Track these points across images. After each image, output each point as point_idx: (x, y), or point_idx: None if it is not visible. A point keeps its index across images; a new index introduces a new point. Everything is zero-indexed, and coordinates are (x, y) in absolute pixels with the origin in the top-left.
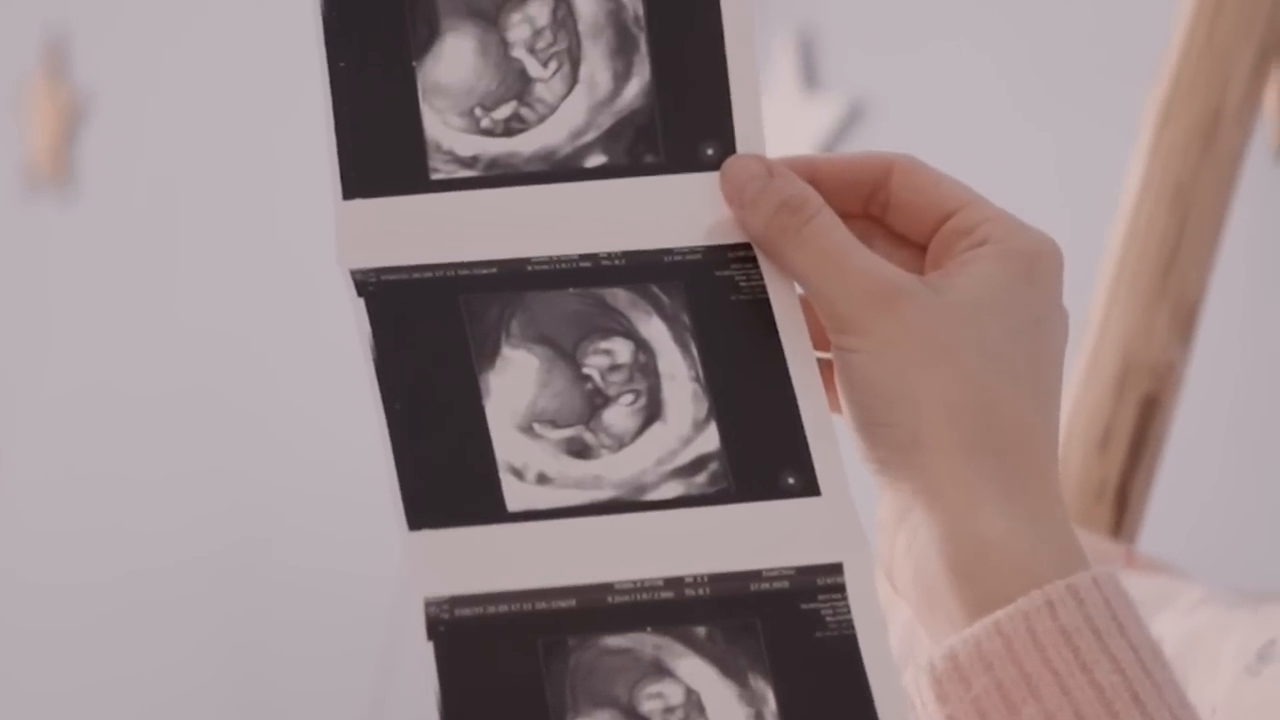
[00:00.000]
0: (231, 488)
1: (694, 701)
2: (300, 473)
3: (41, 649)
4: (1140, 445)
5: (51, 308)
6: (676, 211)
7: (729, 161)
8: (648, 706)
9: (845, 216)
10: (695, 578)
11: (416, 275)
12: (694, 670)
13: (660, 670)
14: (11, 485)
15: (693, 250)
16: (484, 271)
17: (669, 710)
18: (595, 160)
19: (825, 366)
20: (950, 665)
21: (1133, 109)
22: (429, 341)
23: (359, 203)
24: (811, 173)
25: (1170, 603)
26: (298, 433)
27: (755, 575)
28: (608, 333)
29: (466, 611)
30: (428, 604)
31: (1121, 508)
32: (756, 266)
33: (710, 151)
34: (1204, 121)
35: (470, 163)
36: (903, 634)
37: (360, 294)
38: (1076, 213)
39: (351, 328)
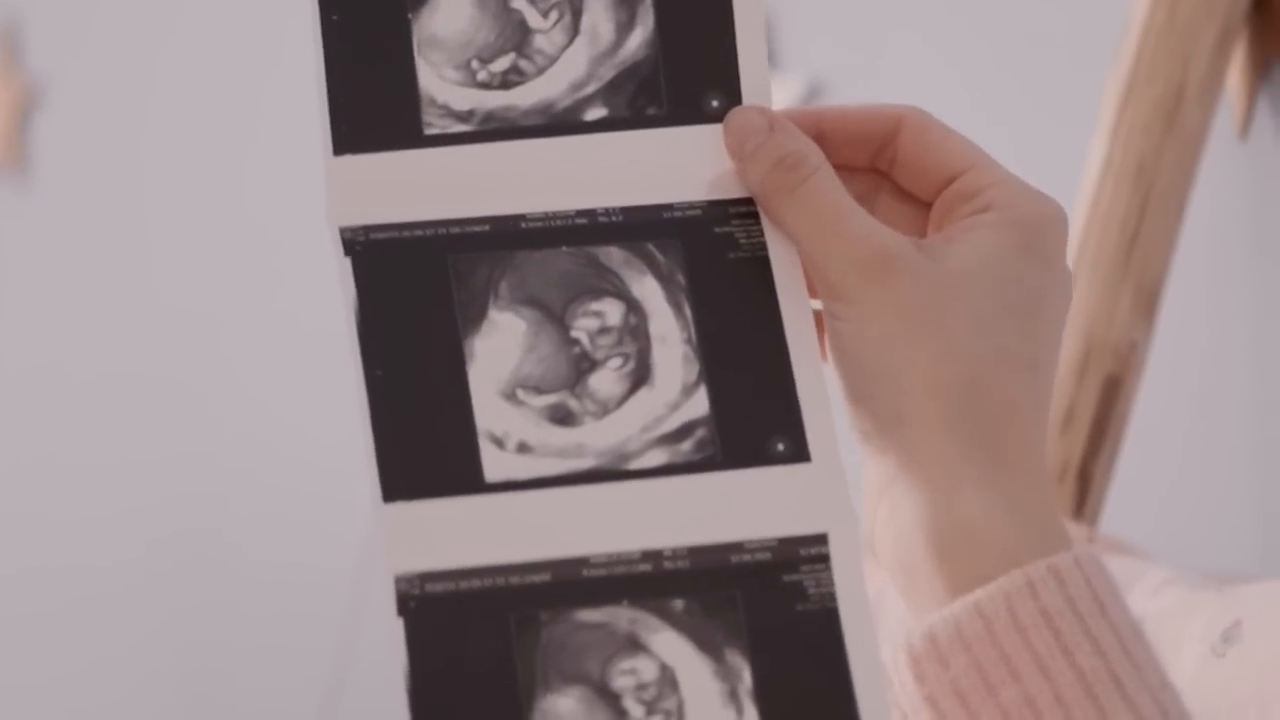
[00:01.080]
0: (184, 475)
1: (668, 678)
2: (256, 461)
3: None
4: (1102, 426)
5: (5, 294)
6: (678, 165)
7: (732, 113)
8: (620, 683)
9: (852, 170)
10: (674, 550)
11: (406, 233)
12: (669, 645)
13: (635, 645)
14: None
15: (693, 206)
16: (476, 229)
17: (641, 687)
18: (596, 113)
19: (820, 318)
20: (929, 645)
21: (1094, 88)
22: (414, 304)
23: (349, 159)
24: (818, 125)
25: (1134, 585)
26: (252, 420)
27: (737, 547)
28: (599, 293)
29: (437, 588)
30: (398, 580)
31: (1084, 489)
32: (758, 222)
33: (715, 103)
34: (1166, 100)
35: (465, 117)
36: (874, 600)
37: (347, 253)
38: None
39: (336, 291)
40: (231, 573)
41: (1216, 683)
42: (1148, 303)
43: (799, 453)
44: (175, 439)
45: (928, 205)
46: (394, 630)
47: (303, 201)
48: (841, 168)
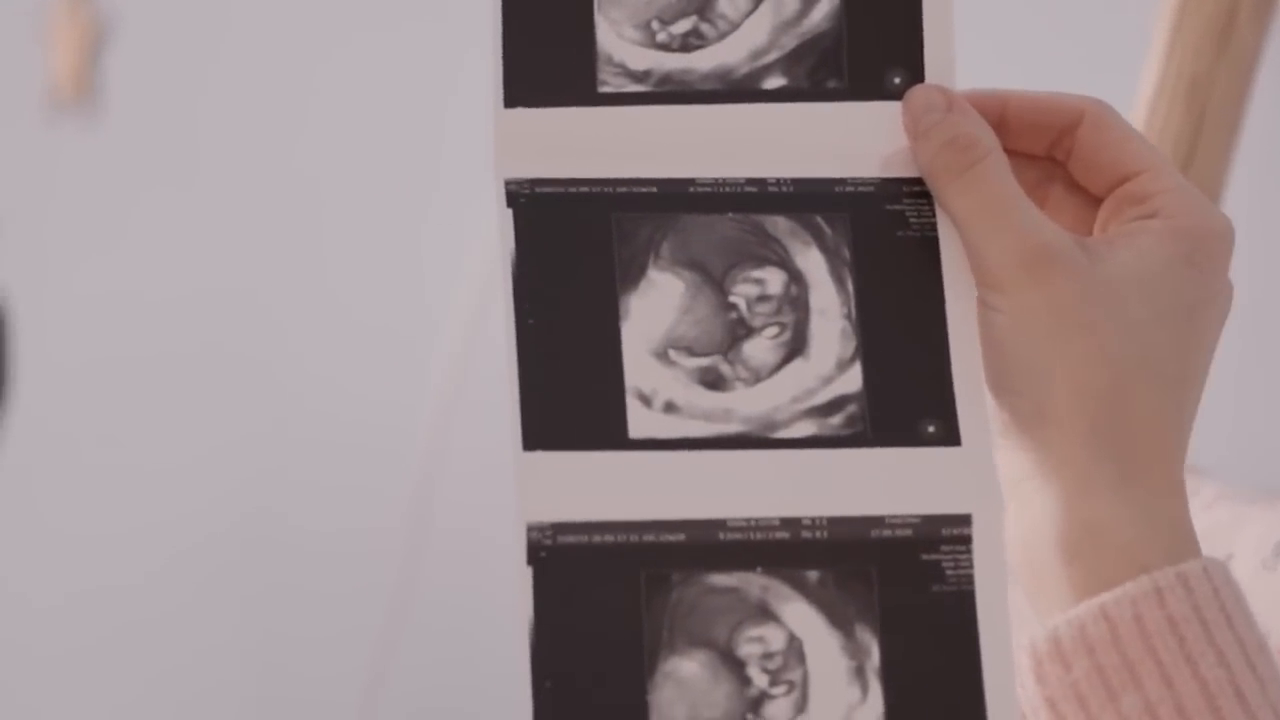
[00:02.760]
0: (243, 446)
1: (795, 649)
2: (317, 435)
3: (44, 642)
4: None
5: (73, 231)
6: (854, 140)
7: (912, 91)
8: (746, 650)
9: (1029, 156)
10: (814, 520)
11: (572, 189)
12: (800, 616)
13: (764, 613)
14: (21, 423)
15: (866, 182)
16: (643, 190)
17: (768, 656)
18: (774, 82)
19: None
20: (1052, 646)
21: (1147, 9)
22: (572, 258)
23: (520, 112)
24: (1002, 109)
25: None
26: (315, 392)
27: (878, 521)
28: (761, 261)
29: (570, 539)
30: (530, 529)
31: None
32: (930, 203)
33: (897, 80)
34: (1219, 19)
35: (641, 77)
36: None
37: (510, 205)
38: None
39: (495, 242)
40: (293, 549)
41: (1268, 595)
42: None
43: (949, 436)
44: (234, 407)
45: (1098, 201)
46: (522, 579)
47: (368, 162)
48: (1019, 153)
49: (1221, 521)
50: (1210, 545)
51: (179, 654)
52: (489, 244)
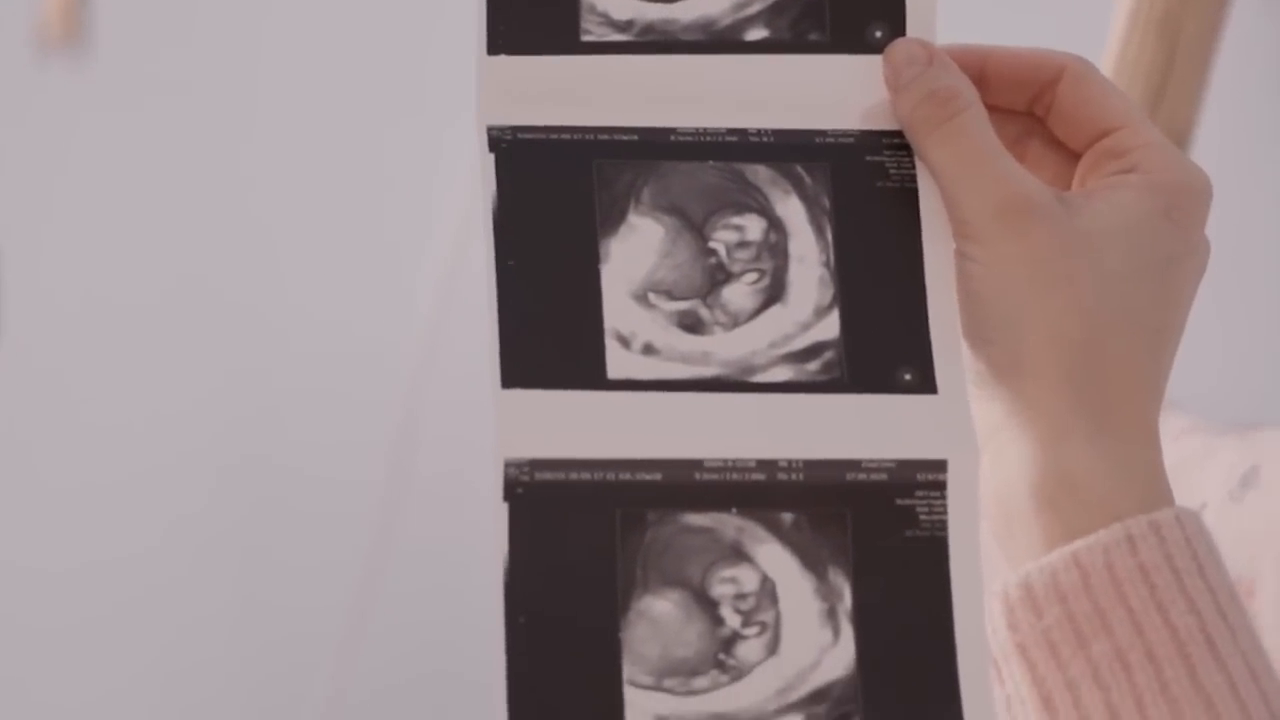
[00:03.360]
0: (236, 388)
1: (768, 590)
2: (309, 376)
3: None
4: None
5: (63, 176)
6: (835, 92)
7: (893, 44)
8: (719, 591)
9: (1009, 112)
10: (790, 462)
11: (554, 136)
12: (773, 557)
13: (738, 554)
14: (7, 364)
15: (846, 133)
16: (625, 138)
17: (740, 596)
18: (757, 33)
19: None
20: (1024, 593)
21: None
22: (553, 202)
23: (504, 59)
24: (982, 64)
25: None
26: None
27: (854, 465)
28: (741, 208)
29: (547, 475)
30: (507, 465)
31: None
32: (910, 155)
33: (879, 34)
34: None
35: (624, 26)
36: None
37: (492, 149)
38: (1065, 46)
39: (477, 187)
40: (282, 492)
41: (1233, 527)
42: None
43: (926, 384)
44: (227, 342)
45: (1077, 157)
46: (498, 515)
47: (355, 106)
48: (999, 109)
49: (1191, 453)
50: (1179, 477)
51: (169, 607)
52: (469, 187)
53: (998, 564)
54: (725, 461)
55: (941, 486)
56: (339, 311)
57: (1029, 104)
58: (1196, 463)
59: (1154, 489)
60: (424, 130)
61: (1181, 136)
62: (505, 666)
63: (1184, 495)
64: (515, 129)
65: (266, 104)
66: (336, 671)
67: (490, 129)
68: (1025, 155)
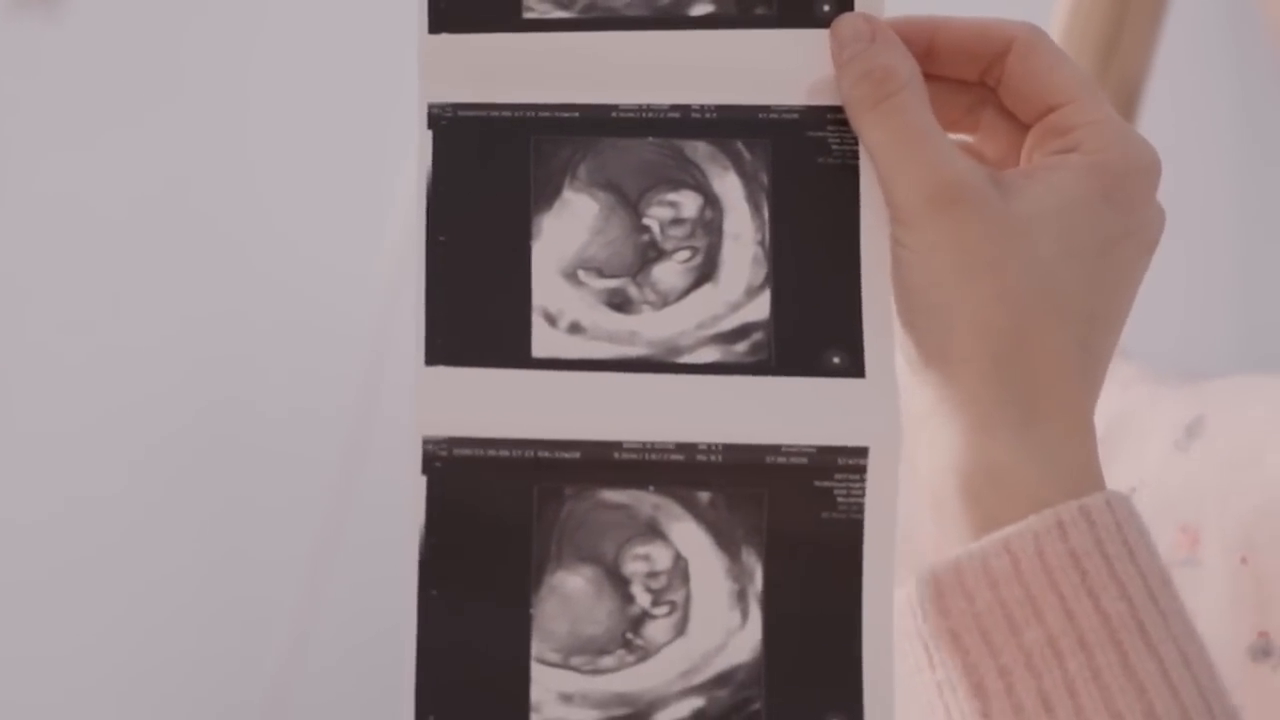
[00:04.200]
0: (213, 325)
1: (680, 569)
2: (285, 311)
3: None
4: None
5: (36, 126)
6: (781, 67)
7: (838, 19)
8: (631, 568)
9: (961, 82)
10: (709, 445)
11: (494, 114)
12: (687, 535)
13: (653, 531)
14: None
15: (790, 109)
16: (565, 115)
17: (653, 575)
18: (702, 9)
19: None
20: (955, 579)
21: None
22: (489, 178)
23: (445, 37)
24: (932, 35)
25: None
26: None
27: (774, 449)
28: (677, 185)
29: (465, 452)
30: (425, 441)
31: None
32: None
33: (826, 8)
34: None
35: (567, 4)
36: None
37: (430, 126)
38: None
39: (412, 164)
40: (255, 433)
41: (1179, 476)
42: (1127, 105)
43: (854, 367)
44: (205, 285)
45: (1028, 128)
46: (415, 488)
47: (326, 53)
48: (951, 80)
49: (1138, 402)
50: (1125, 426)
51: (136, 550)
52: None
53: (921, 549)
54: (644, 444)
55: (861, 471)
56: (307, 250)
57: (980, 75)
58: (1144, 412)
59: (1082, 479)
60: (397, 74)
61: (1133, 91)
62: (415, 640)
63: (1129, 445)
64: (456, 106)
65: (242, 55)
66: (302, 613)
67: (431, 106)
68: (978, 126)
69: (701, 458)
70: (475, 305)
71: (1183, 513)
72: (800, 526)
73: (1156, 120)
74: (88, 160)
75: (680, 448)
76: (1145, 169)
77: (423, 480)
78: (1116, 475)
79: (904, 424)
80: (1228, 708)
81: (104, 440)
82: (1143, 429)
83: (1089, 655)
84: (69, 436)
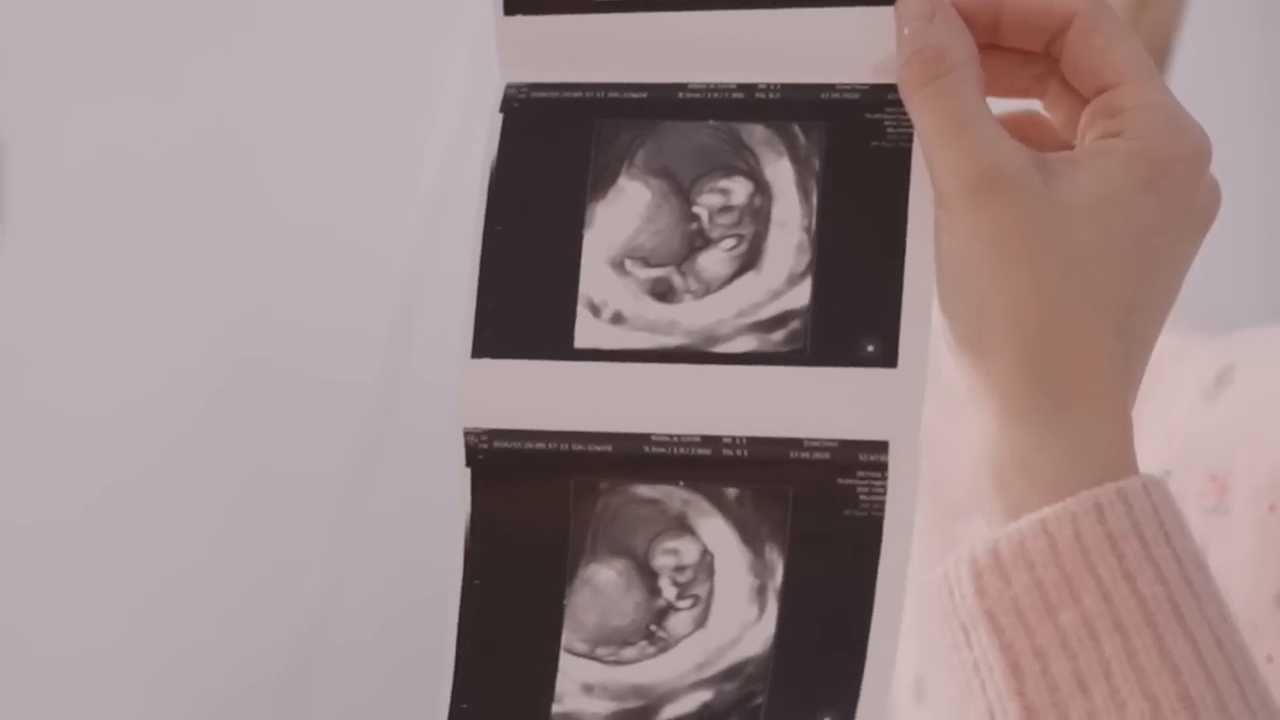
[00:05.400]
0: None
1: (706, 563)
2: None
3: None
4: None
5: (66, 71)
6: (846, 45)
7: None
8: (660, 561)
9: (1028, 54)
10: (734, 439)
11: (565, 94)
12: (715, 531)
13: (682, 526)
14: (8, 265)
15: (853, 89)
16: (633, 95)
17: (680, 569)
18: None
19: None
20: (991, 560)
21: None
22: (551, 164)
23: (521, 19)
24: (997, 9)
25: None
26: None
27: (796, 443)
28: (730, 171)
29: (504, 445)
30: (466, 433)
31: None
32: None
33: None
34: None
35: None
36: None
37: (502, 109)
38: None
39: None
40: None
41: (1207, 425)
42: (1159, 54)
43: (887, 357)
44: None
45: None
46: (460, 480)
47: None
48: (1018, 52)
49: (1165, 352)
50: (1154, 376)
51: (165, 518)
52: (466, 91)
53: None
54: (672, 436)
55: (882, 468)
56: (335, 212)
57: (1045, 47)
58: (1171, 362)
59: (1114, 464)
60: (425, 32)
61: (1165, 43)
62: (456, 630)
63: (1158, 395)
64: (531, 87)
65: (266, 8)
66: (325, 584)
67: (509, 87)
68: (1044, 96)
69: (727, 452)
70: (524, 297)
71: (1211, 461)
72: (823, 524)
73: (1186, 78)
74: (119, 114)
75: (706, 440)
76: (1191, 156)
77: (467, 472)
78: (1145, 425)
79: (946, 407)
80: (1261, 691)
81: (134, 419)
82: (1172, 379)
83: (1124, 637)
84: (97, 413)
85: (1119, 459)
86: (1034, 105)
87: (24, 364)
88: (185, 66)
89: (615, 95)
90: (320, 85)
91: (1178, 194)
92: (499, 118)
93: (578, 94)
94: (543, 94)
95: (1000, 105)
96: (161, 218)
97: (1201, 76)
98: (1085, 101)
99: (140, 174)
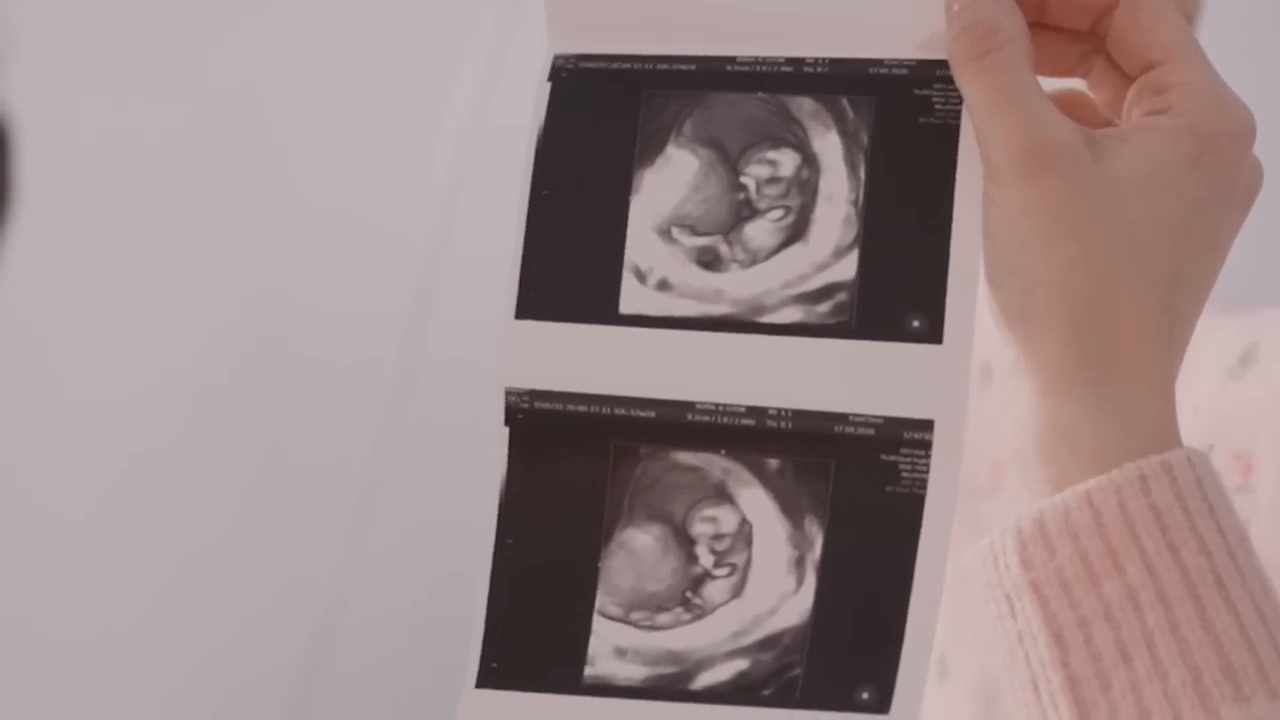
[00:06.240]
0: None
1: (745, 533)
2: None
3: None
4: None
5: (80, 54)
6: (896, 20)
7: None
8: (698, 529)
9: (1074, 32)
10: (779, 410)
11: (614, 65)
12: (754, 501)
13: (722, 495)
14: (23, 245)
15: (901, 64)
16: (682, 67)
17: (718, 537)
18: None
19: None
20: (1037, 530)
21: None
22: (597, 133)
23: None
24: None
25: None
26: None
27: (841, 418)
28: (778, 142)
29: (545, 406)
30: (508, 393)
31: None
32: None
33: None
34: None
35: None
36: None
37: (550, 78)
38: None
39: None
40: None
41: (1231, 403)
42: (1187, 13)
43: (933, 333)
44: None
45: (1133, 80)
46: (499, 438)
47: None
48: (1064, 30)
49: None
50: None
51: (181, 496)
52: (482, 75)
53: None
54: (716, 406)
55: (927, 446)
56: (353, 192)
57: (1091, 26)
58: (1197, 340)
59: (1158, 437)
60: (445, 12)
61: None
62: (488, 586)
63: (1184, 373)
64: (579, 57)
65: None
66: (344, 559)
67: (556, 58)
68: (1089, 75)
69: (771, 423)
70: (569, 260)
71: (1236, 439)
72: (864, 498)
73: (1210, 38)
74: (136, 97)
75: (750, 411)
76: (1236, 133)
77: (505, 431)
78: None
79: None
80: None
81: (152, 401)
82: (1196, 357)
83: (1167, 608)
84: (115, 396)
85: (1163, 432)
86: (1076, 84)
87: (42, 348)
88: (206, 50)
89: (664, 67)
90: (338, 66)
91: (1223, 170)
92: (546, 86)
93: (626, 65)
94: (591, 64)
95: (1043, 84)
96: (178, 200)
97: (1222, 54)
98: (1129, 80)
99: (157, 158)
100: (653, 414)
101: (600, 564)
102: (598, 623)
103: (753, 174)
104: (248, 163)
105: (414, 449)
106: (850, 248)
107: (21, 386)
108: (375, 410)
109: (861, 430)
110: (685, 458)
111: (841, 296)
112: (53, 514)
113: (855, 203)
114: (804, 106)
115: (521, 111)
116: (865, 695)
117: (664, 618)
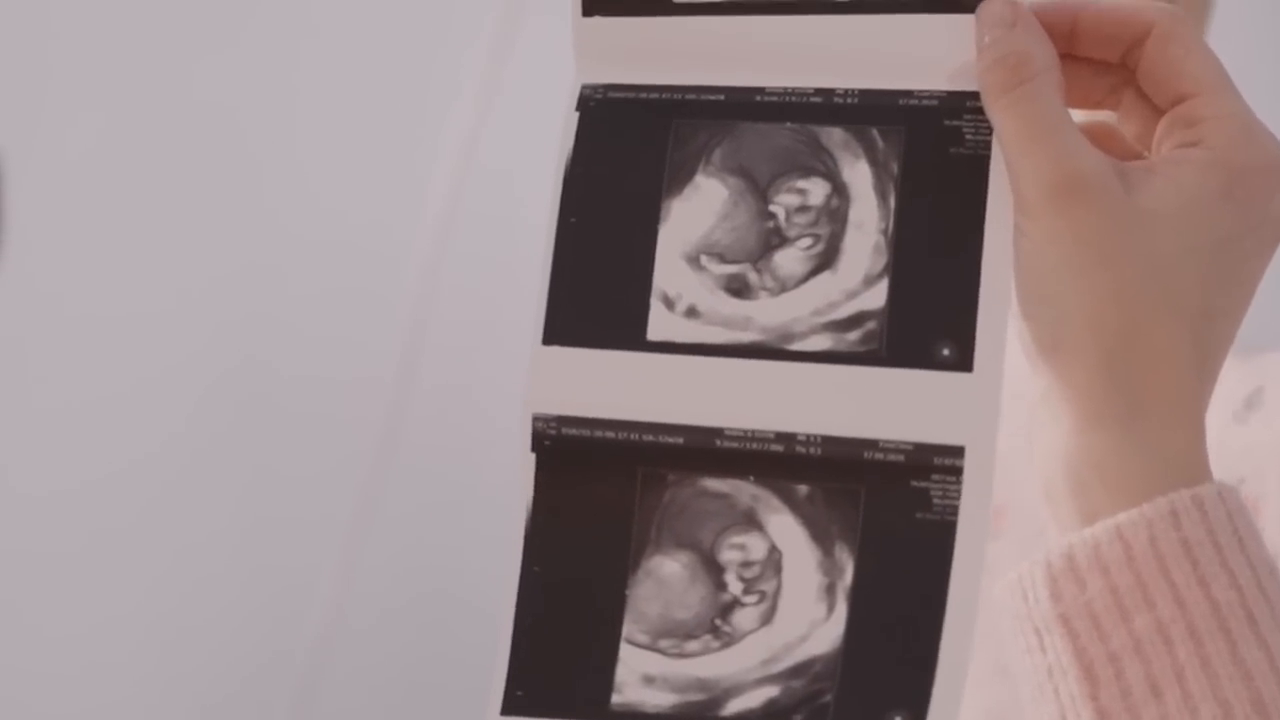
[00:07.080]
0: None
1: (774, 560)
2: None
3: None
4: None
5: (60, 74)
6: (925, 52)
7: (983, 3)
8: (727, 556)
9: (1103, 64)
10: (808, 436)
11: (642, 95)
12: (784, 528)
13: (751, 522)
14: (10, 269)
15: (931, 95)
16: (711, 97)
17: (746, 564)
18: None
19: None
20: (1066, 564)
21: None
22: (626, 161)
23: (599, 20)
24: (1074, 18)
25: None
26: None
27: (871, 444)
28: (808, 171)
29: (573, 432)
30: (535, 419)
31: None
32: (988, 120)
33: None
34: None
35: None
36: None
37: (578, 108)
38: None
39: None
40: (282, 396)
41: (1238, 447)
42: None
43: (963, 361)
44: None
45: (1163, 112)
46: (525, 465)
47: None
48: (1094, 62)
49: None
50: None
51: (168, 516)
52: (480, 92)
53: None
54: (745, 432)
55: (957, 473)
56: (344, 210)
57: (1121, 58)
58: None
59: (1188, 470)
60: (435, 32)
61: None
62: (514, 612)
63: None
64: (607, 87)
65: (271, 11)
66: (337, 579)
67: (584, 88)
68: (1118, 106)
69: (800, 449)
70: (597, 287)
71: (1246, 479)
72: (894, 525)
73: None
74: (123, 118)
75: (780, 437)
76: (1267, 168)
77: (532, 458)
78: None
79: (1018, 411)
80: None
81: (137, 404)
82: None
83: (1198, 643)
84: (100, 401)
85: (1194, 465)
86: (1105, 117)
87: (31, 368)
88: (192, 70)
89: (692, 97)
90: (328, 89)
91: (1253, 204)
92: (574, 116)
93: (655, 95)
94: (619, 94)
95: (1072, 116)
96: (166, 223)
97: (1242, 55)
98: (1159, 112)
99: (146, 179)
100: (681, 440)
101: (628, 591)
102: (625, 650)
103: (782, 202)
104: (236, 189)
105: (409, 465)
106: (880, 276)
107: (19, 394)
108: (372, 429)
109: (891, 456)
110: (714, 484)
111: (871, 325)
112: (46, 521)
113: (885, 231)
114: (834, 136)
115: (514, 131)
116: None
117: (692, 645)
